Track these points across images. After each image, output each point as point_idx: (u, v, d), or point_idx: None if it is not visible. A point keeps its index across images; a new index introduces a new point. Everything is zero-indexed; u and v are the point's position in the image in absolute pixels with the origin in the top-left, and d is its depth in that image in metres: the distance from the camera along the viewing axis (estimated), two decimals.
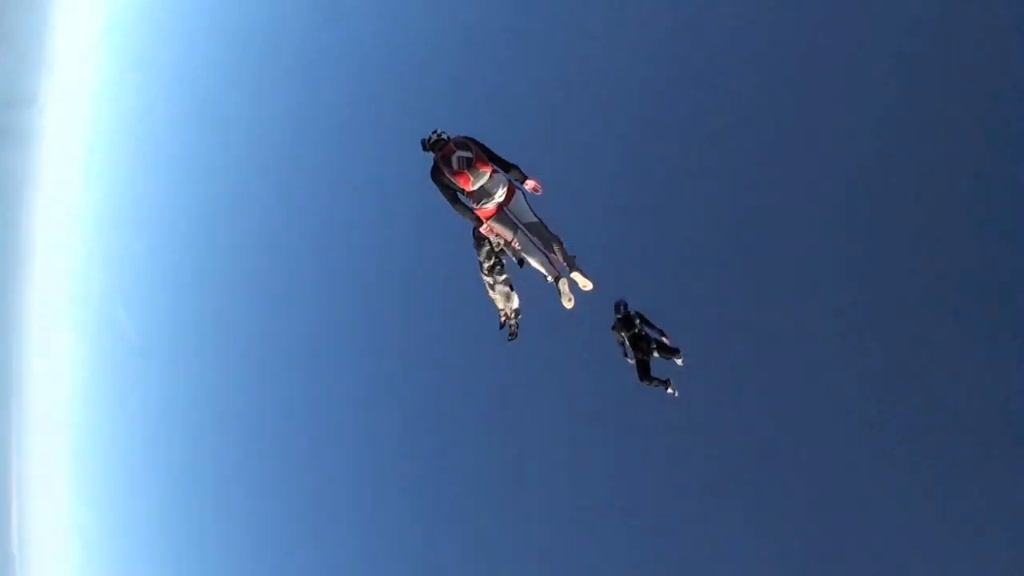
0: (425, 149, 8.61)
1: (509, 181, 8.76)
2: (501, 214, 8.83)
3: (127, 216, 54.40)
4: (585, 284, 9.06)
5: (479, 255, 10.93)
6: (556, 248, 8.97)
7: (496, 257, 10.85)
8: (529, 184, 8.64)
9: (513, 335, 11.94)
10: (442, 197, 8.69)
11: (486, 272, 11.18)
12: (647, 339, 12.98)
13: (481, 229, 8.89)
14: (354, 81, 37.78)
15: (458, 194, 8.65)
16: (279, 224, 42.27)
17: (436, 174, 8.57)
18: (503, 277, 11.24)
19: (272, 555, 42.61)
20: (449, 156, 8.47)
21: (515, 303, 11.66)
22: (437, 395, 34.08)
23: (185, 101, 49.01)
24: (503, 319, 11.86)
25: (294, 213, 41.22)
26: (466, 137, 8.61)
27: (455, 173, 8.46)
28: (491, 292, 11.47)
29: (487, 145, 8.64)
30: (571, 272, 9.00)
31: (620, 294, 13.10)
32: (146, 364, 52.76)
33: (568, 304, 9.18)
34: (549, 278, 9.13)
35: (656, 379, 13.24)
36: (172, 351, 50.88)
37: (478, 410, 32.59)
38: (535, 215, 8.96)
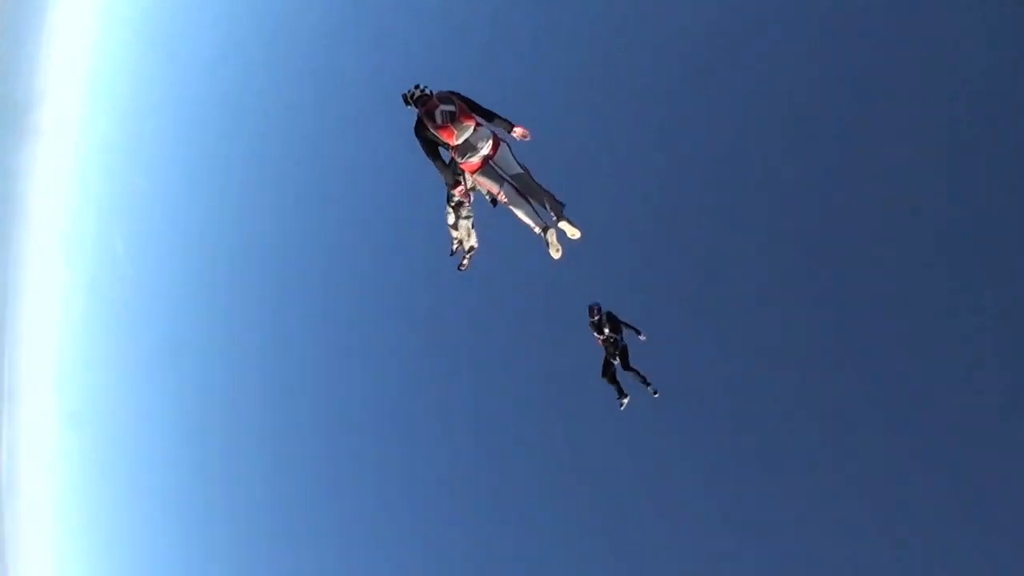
0: (407, 103, 8.65)
1: (494, 134, 8.79)
2: (487, 167, 8.85)
3: (128, 149, 54.46)
4: (574, 233, 9.12)
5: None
6: (544, 198, 9.03)
7: (467, 196, 10.98)
8: (517, 131, 8.68)
9: (463, 267, 12.20)
10: (423, 154, 8.75)
11: (452, 206, 11.37)
12: (615, 344, 13.66)
13: (456, 191, 9.23)
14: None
15: (440, 150, 8.71)
16: (278, 160, 42.41)
17: (420, 129, 8.60)
18: (466, 213, 11.43)
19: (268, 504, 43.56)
20: (432, 111, 8.50)
21: (473, 241, 11.89)
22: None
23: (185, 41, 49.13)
24: (455, 247, 12.09)
25: (291, 152, 41.34)
26: (449, 91, 8.63)
27: (438, 127, 8.49)
28: (450, 222, 11.64)
29: (471, 98, 8.66)
30: (559, 222, 9.07)
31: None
32: (143, 297, 53.22)
33: (556, 255, 9.23)
34: (536, 229, 9.15)
35: (617, 382, 14.01)
36: (170, 285, 51.36)
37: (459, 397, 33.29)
38: (521, 166, 8.98)
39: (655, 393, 14.08)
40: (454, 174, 8.96)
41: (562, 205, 9.12)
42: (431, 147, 8.68)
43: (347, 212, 37.96)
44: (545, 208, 9.12)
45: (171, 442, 50.57)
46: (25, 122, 55.64)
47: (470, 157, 8.71)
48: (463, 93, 8.67)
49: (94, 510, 55.71)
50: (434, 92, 8.61)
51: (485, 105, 8.69)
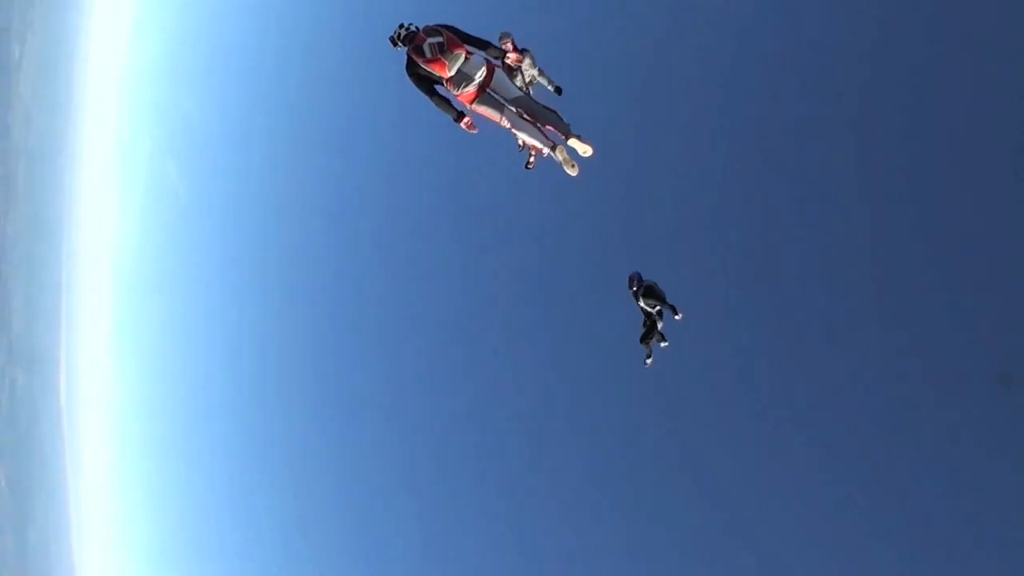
0: (395, 45, 8.55)
1: (488, 60, 8.64)
2: (485, 95, 8.70)
3: (178, 72, 54.86)
4: (585, 150, 8.95)
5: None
6: (548, 118, 8.84)
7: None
8: (511, 57, 8.77)
9: (530, 166, 11.96)
10: (421, 94, 8.62)
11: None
12: (649, 315, 13.77)
13: (463, 124, 8.80)
14: None
15: (436, 87, 8.60)
16: (330, 80, 42.34)
17: (411, 67, 8.51)
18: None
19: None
20: (421, 45, 8.38)
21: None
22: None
23: None
24: (521, 145, 11.73)
25: (346, 69, 41.11)
26: (436, 25, 8.51)
27: (429, 61, 8.38)
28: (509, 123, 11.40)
29: (459, 28, 8.53)
30: (568, 140, 8.90)
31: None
32: (195, 221, 54.20)
33: (573, 172, 9.06)
34: (545, 151, 9.01)
35: (648, 343, 14.07)
36: (222, 208, 52.16)
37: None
38: (520, 89, 8.83)
39: (647, 359, 14.20)
40: (457, 108, 8.74)
41: (569, 123, 8.94)
42: (426, 85, 8.59)
43: (402, 141, 37.85)
44: (551, 130, 8.92)
45: (218, 366, 51.75)
46: (74, 49, 56.40)
47: (465, 87, 8.57)
48: (451, 24, 8.54)
49: (148, 432, 57.55)
50: (420, 28, 8.49)
51: (475, 34, 8.57)
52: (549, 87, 10.68)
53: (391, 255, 39.82)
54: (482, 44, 8.55)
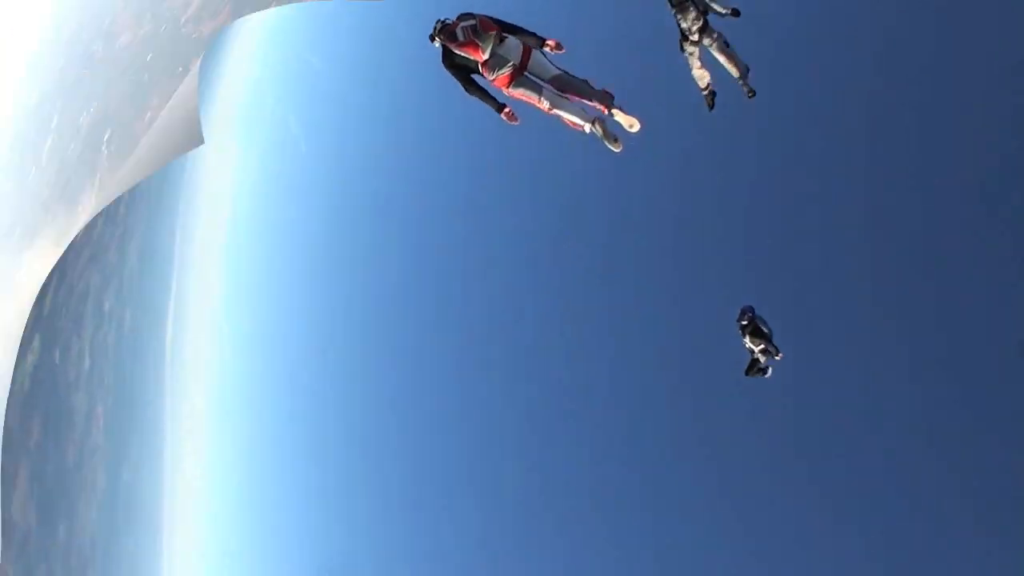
0: (432, 41, 8.56)
1: (523, 43, 8.56)
2: (522, 78, 8.61)
3: (306, 27, 55.47)
4: (632, 124, 8.85)
5: (684, 22, 10.31)
6: (589, 93, 8.74)
7: (704, 19, 10.26)
8: (550, 44, 8.52)
9: (710, 104, 11.34)
10: (459, 86, 8.62)
11: (694, 40, 10.41)
12: (752, 351, 13.63)
13: (504, 114, 8.66)
14: None
15: (473, 76, 8.58)
16: None
17: (447, 56, 8.53)
18: (716, 35, 10.45)
19: None
20: (454, 31, 8.40)
21: (738, 63, 10.89)
22: None
23: None
24: (705, 87, 11.17)
25: None
26: (470, 12, 8.50)
27: (462, 45, 8.38)
28: (696, 67, 10.76)
29: (495, 16, 8.50)
30: (609, 112, 8.80)
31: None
32: (314, 174, 54.90)
33: (616, 148, 8.95)
34: (587, 127, 8.87)
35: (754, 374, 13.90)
36: (341, 162, 52.63)
37: None
38: (557, 68, 8.73)
39: (751, 367, 13.91)
40: (497, 100, 8.68)
41: (611, 96, 8.82)
42: (463, 75, 8.58)
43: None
44: (593, 103, 8.85)
45: (327, 322, 52.41)
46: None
47: (501, 71, 8.50)
48: (487, 14, 8.54)
49: (248, 383, 59.00)
50: (454, 20, 8.53)
51: (511, 21, 8.55)
52: (724, 11, 10.32)
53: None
54: (517, 30, 8.53)
